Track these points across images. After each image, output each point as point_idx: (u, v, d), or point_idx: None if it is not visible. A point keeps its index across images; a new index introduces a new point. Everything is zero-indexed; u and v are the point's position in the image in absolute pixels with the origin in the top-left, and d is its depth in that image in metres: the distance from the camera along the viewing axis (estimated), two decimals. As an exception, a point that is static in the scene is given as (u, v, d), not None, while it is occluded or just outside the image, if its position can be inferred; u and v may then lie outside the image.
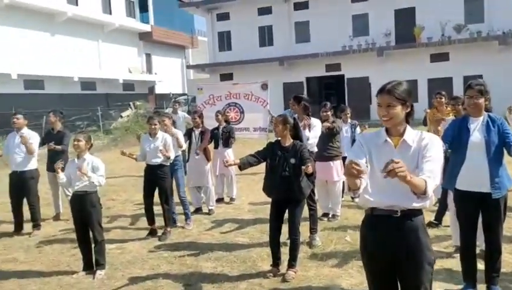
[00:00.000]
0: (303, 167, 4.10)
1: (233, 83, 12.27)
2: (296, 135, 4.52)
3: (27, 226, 6.48)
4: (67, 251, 5.51)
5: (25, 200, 6.45)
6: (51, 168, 6.78)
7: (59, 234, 6.32)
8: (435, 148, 2.36)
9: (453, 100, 5.57)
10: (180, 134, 6.45)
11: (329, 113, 6.12)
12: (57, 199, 7.16)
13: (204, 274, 4.62)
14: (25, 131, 6.36)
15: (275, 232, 4.52)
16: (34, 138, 6.36)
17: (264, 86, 10.86)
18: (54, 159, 6.76)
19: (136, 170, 10.02)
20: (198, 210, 7.21)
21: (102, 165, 4.76)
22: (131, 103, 27.00)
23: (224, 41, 28.51)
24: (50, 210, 7.25)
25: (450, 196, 4.51)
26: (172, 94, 30.21)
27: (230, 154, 7.83)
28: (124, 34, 28.82)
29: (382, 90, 2.42)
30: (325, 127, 5.73)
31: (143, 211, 7.24)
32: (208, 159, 7.08)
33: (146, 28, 30.37)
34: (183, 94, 31.78)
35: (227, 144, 7.79)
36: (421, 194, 2.19)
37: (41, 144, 6.77)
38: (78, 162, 4.67)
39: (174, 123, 6.72)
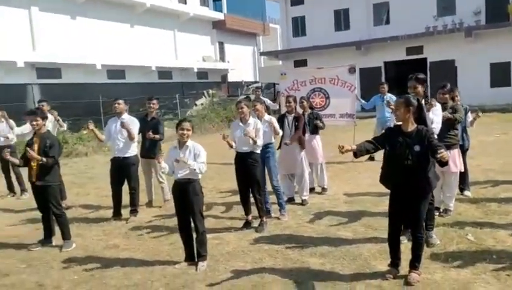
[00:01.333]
0: (437, 156, 3.53)
1: (318, 67, 11.69)
2: (420, 118, 3.96)
3: (123, 212, 6.49)
4: (165, 239, 5.40)
5: (124, 186, 6.44)
6: (145, 155, 6.75)
7: (154, 221, 6.27)
8: None
9: None
10: (274, 120, 6.11)
11: (447, 96, 5.36)
12: (150, 185, 7.11)
13: (312, 271, 4.26)
14: (126, 116, 6.33)
15: (395, 229, 4.01)
16: (134, 123, 6.32)
17: (352, 70, 10.23)
18: (147, 145, 6.75)
19: (218, 157, 9.85)
20: (290, 200, 6.86)
21: (204, 151, 4.55)
22: (205, 91, 27.32)
23: (299, 26, 27.78)
24: (142, 196, 7.22)
25: None
26: (245, 82, 30.20)
27: (319, 142, 7.48)
28: (198, 23, 29.17)
29: None
30: (445, 118, 5.03)
31: (232, 199, 7.08)
32: (302, 147, 6.68)
33: (219, 16, 30.57)
34: (255, 82, 31.65)
35: (315, 131, 7.42)
36: None
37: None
38: (180, 149, 4.48)
39: (268, 109, 6.33)
